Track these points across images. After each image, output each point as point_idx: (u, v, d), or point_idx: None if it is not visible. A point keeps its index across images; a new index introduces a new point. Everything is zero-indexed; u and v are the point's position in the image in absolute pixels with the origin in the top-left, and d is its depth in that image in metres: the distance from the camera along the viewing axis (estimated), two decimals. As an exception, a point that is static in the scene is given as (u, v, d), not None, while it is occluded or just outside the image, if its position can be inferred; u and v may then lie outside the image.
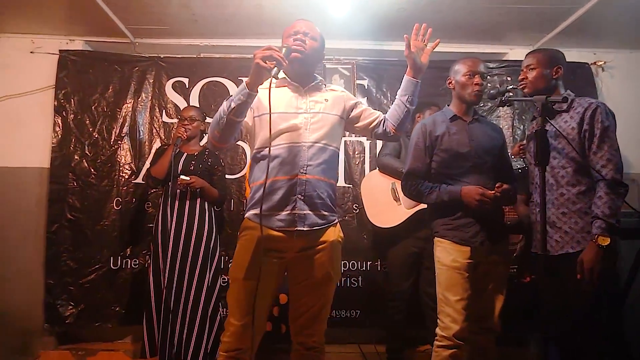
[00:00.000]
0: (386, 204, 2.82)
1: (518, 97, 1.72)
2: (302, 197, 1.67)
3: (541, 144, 1.51)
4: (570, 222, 1.82)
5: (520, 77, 1.99)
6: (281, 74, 1.63)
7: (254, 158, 1.78)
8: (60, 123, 3.18)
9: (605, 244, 1.69)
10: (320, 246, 1.70)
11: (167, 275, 2.50)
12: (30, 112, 3.20)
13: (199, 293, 2.55)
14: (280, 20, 2.95)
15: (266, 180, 1.64)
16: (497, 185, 1.90)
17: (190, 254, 2.57)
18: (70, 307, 3.02)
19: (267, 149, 1.67)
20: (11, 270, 3.07)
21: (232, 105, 1.57)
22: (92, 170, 3.17)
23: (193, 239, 2.59)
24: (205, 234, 2.62)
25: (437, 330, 1.94)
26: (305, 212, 1.67)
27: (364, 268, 3.21)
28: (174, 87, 3.35)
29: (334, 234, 1.74)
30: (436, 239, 2.05)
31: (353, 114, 1.86)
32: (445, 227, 2.02)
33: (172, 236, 2.56)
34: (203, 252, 2.59)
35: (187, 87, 3.36)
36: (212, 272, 2.64)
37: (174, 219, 2.60)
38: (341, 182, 3.31)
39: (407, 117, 1.80)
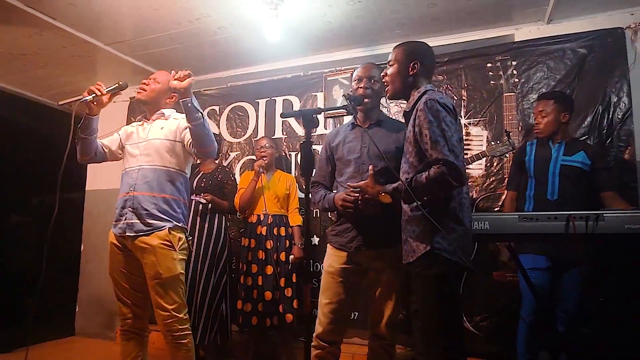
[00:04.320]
0: None
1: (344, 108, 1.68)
2: (131, 209, 2.12)
3: (303, 156, 1.50)
4: (410, 230, 1.69)
5: (382, 76, 1.88)
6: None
7: None
8: (129, 154, 4.12)
9: (385, 201, 1.70)
10: (147, 247, 2.09)
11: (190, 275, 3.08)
12: (112, 148, 4.23)
13: (207, 287, 3.11)
14: (276, 47, 3.31)
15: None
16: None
17: (207, 257, 3.14)
18: (137, 296, 3.89)
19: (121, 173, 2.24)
20: (104, 267, 4.09)
21: (80, 125, 2.14)
22: (151, 188, 4.01)
23: (206, 246, 3.16)
24: (212, 240, 3.16)
25: (315, 333, 2.02)
26: (132, 221, 2.11)
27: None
28: (209, 115, 3.98)
29: (158, 238, 2.09)
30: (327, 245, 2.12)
31: (182, 136, 2.20)
32: (331, 233, 2.08)
33: (194, 244, 3.13)
34: (210, 255, 3.15)
35: (217, 113, 3.97)
36: (219, 270, 3.16)
37: (196, 230, 3.18)
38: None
39: (198, 136, 2.03)
